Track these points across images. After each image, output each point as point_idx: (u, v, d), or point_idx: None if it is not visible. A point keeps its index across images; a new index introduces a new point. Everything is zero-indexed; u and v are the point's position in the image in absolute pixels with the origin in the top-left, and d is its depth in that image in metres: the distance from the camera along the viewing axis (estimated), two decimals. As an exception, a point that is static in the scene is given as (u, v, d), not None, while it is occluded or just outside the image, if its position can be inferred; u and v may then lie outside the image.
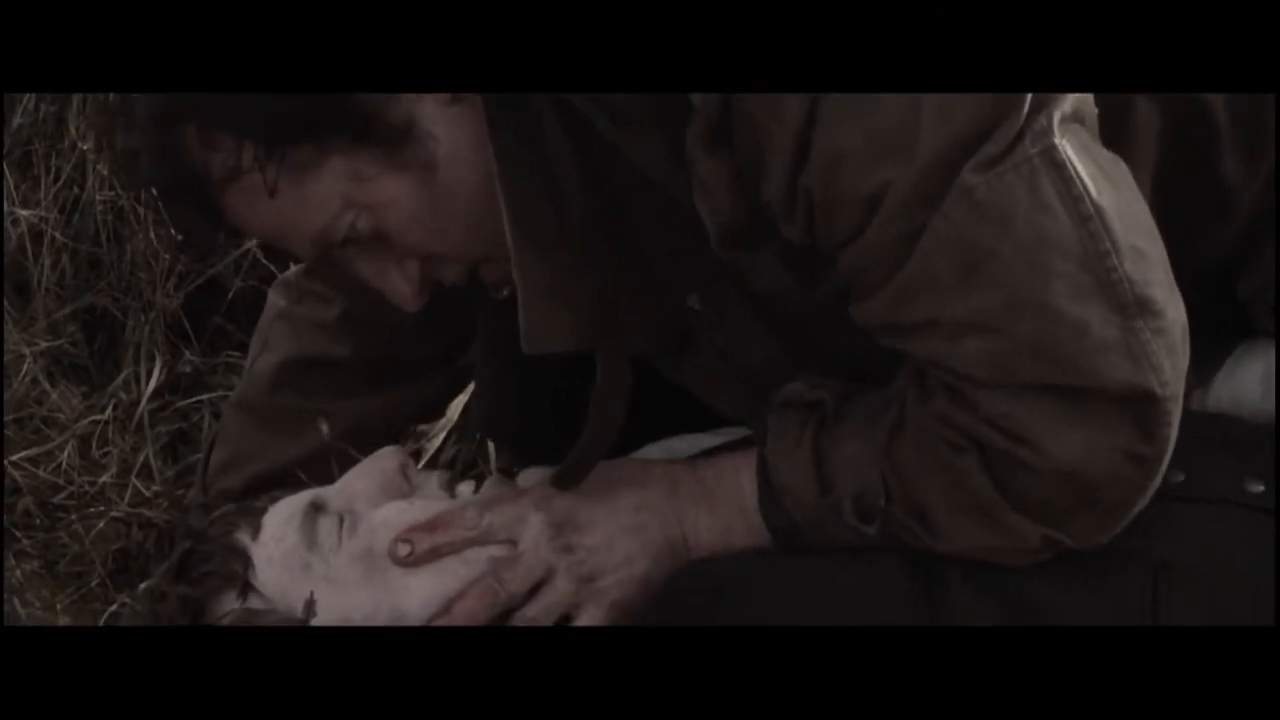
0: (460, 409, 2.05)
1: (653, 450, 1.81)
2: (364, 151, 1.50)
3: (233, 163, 1.48)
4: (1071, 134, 1.43)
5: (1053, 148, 1.42)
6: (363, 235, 1.54)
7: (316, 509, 1.66)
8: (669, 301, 1.62)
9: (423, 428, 2.03)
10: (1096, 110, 1.47)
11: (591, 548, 1.63)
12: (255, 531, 1.66)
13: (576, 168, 1.53)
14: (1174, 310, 1.45)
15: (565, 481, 1.65)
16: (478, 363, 1.82)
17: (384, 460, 1.69)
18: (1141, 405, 1.44)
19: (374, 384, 1.97)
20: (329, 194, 1.51)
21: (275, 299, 2.02)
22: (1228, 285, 1.67)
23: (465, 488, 1.70)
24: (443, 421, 2.05)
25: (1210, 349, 1.50)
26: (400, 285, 1.60)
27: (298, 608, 1.63)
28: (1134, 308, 1.42)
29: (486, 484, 1.72)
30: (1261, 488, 1.58)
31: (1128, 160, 1.52)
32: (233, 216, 1.54)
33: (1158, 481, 1.49)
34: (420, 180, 1.52)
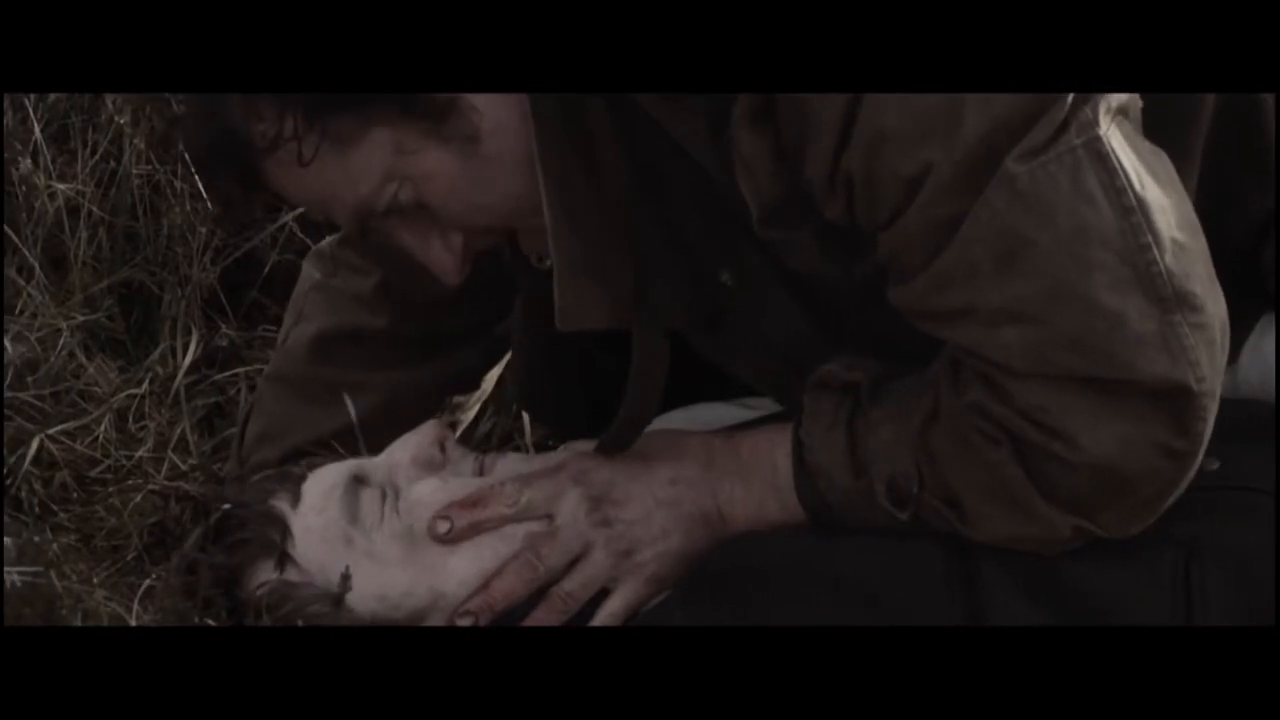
0: (494, 381, 2.06)
1: (678, 417, 1.82)
2: (408, 123, 1.50)
3: (274, 132, 1.49)
4: (1116, 126, 1.43)
5: (1097, 139, 1.42)
6: (405, 206, 1.55)
7: (359, 482, 1.68)
8: (702, 277, 1.62)
9: (458, 399, 2.04)
10: (1141, 104, 1.47)
11: (629, 521, 1.65)
12: (295, 500, 1.68)
13: (617, 143, 1.54)
14: (1214, 305, 1.45)
15: (610, 447, 1.66)
16: (515, 333, 1.83)
17: (423, 434, 1.70)
18: (1177, 400, 1.44)
19: (410, 355, 1.98)
20: (371, 165, 1.52)
21: (310, 270, 2.02)
22: (1251, 254, 1.67)
23: (501, 466, 1.71)
24: (477, 394, 2.07)
25: (1235, 319, 1.49)
26: (443, 257, 1.61)
27: (336, 582, 1.64)
28: (1173, 301, 1.42)
29: (520, 458, 1.73)
30: (1293, 477, 1.59)
31: (1181, 139, 1.53)
32: (274, 184, 1.55)
33: (1192, 475, 1.49)
34: (463, 153, 1.52)
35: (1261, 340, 1.72)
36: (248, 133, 1.50)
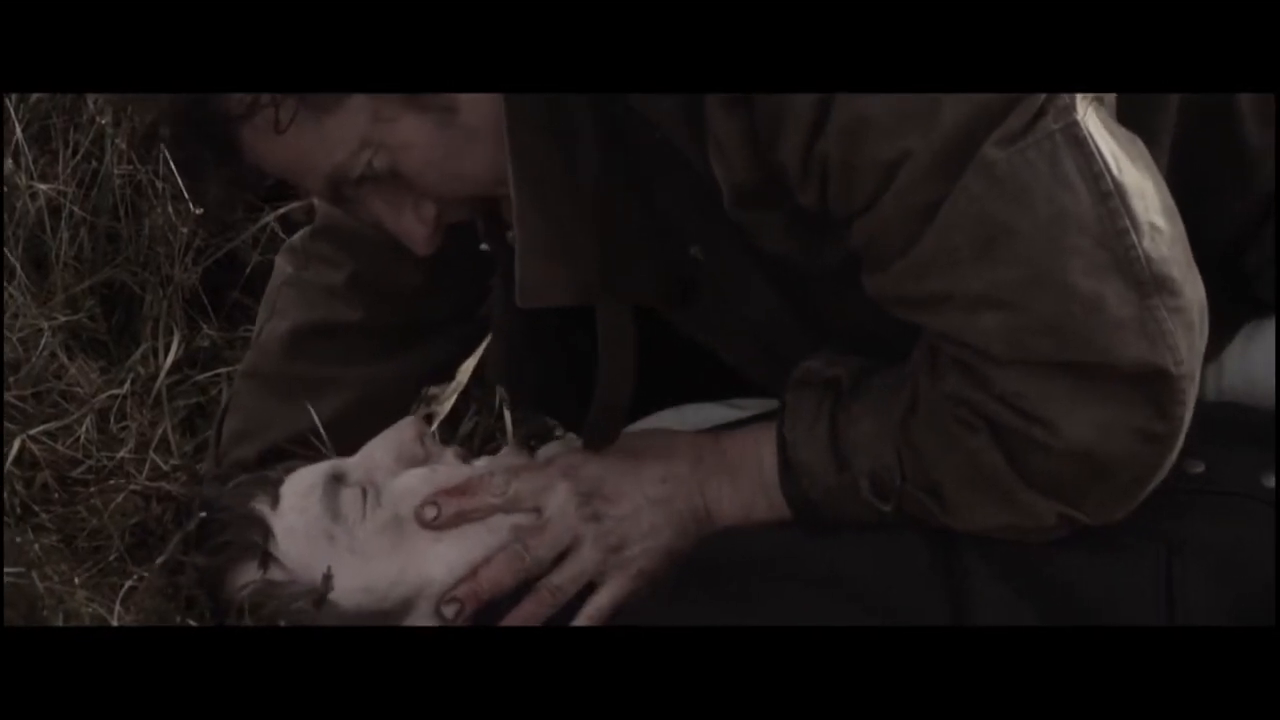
0: (470, 371, 2.06)
1: (667, 417, 1.82)
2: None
3: (251, 98, 1.48)
4: (1093, 111, 1.43)
5: (1075, 124, 1.42)
6: (379, 174, 1.55)
7: (337, 480, 1.68)
8: (672, 251, 1.62)
9: (432, 391, 2.04)
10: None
11: (619, 517, 1.65)
12: (274, 501, 1.68)
13: (590, 120, 1.54)
14: (1191, 289, 1.45)
15: (595, 440, 1.67)
16: (494, 314, 1.82)
17: (401, 431, 1.71)
18: (1155, 383, 1.45)
19: (385, 348, 1.98)
20: (348, 132, 1.52)
21: (282, 265, 2.02)
22: (1235, 257, 1.67)
23: (481, 462, 1.72)
24: (453, 385, 2.07)
25: (1219, 321, 1.50)
26: (415, 227, 1.61)
27: (320, 580, 1.64)
28: (1150, 285, 1.43)
29: (503, 452, 1.74)
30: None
31: (1149, 125, 1.53)
32: (250, 153, 1.54)
33: (1173, 458, 1.50)
34: (440, 122, 1.53)
35: (1247, 346, 1.72)
36: (224, 99, 1.49)
